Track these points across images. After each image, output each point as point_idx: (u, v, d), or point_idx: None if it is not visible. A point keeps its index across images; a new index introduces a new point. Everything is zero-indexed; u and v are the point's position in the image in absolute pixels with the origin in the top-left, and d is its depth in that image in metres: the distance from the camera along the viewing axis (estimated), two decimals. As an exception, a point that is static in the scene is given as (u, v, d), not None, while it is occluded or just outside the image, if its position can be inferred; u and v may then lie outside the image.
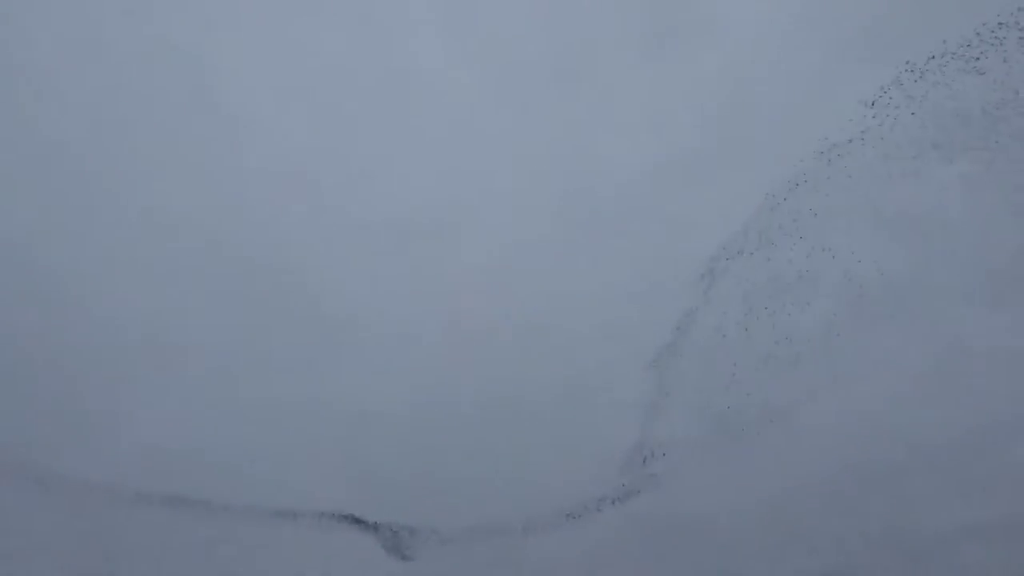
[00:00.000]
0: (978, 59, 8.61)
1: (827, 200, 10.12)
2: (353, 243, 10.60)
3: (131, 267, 10.09)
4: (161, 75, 9.02)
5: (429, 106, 9.47)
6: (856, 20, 8.97)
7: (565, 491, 12.07)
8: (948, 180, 9.92)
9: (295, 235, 10.35)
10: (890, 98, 9.07)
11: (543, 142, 9.96)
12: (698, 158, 9.92)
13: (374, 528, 12.75)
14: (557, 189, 10.08)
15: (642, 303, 11.26)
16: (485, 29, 9.01)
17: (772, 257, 10.79)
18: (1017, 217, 10.15)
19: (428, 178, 10.22)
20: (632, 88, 9.44)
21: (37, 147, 9.43)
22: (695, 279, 11.05)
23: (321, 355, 11.01)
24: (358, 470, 12.19)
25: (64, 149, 9.48)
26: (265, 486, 11.78)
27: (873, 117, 9.29)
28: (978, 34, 8.27)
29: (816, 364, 11.53)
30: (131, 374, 10.90)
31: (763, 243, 10.64)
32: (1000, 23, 8.30)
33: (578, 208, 10.41)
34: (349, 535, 12.78)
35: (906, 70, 8.84)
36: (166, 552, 12.10)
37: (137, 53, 8.95)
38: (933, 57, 8.72)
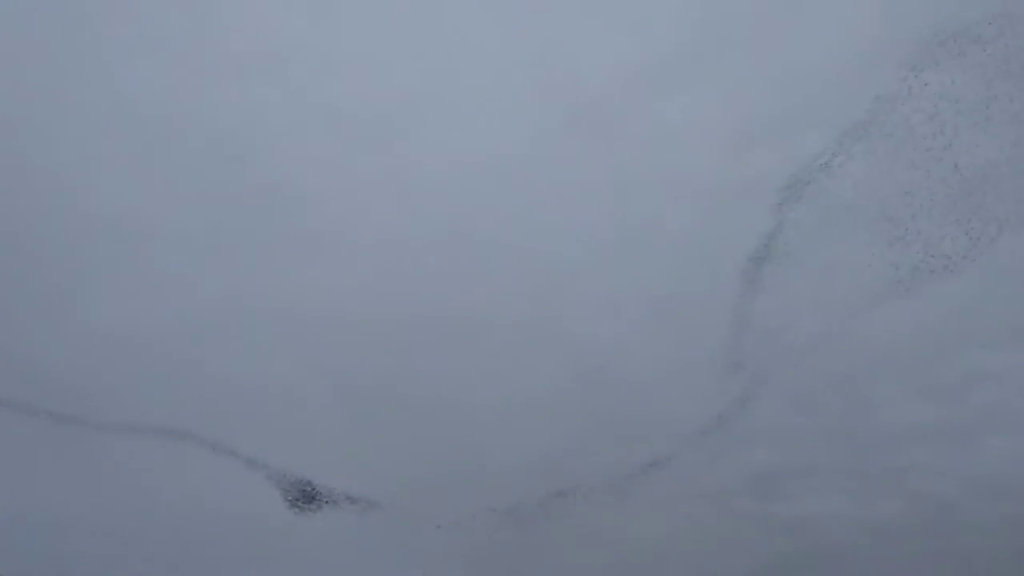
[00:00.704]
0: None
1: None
2: (329, 136, 10.39)
3: (97, 152, 9.83)
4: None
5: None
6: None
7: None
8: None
9: (268, 124, 10.13)
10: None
11: (528, 43, 9.94)
12: (683, 61, 9.88)
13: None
14: (543, 86, 10.05)
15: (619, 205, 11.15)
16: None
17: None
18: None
19: (409, 73, 10.13)
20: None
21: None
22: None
23: (293, 255, 10.64)
24: (332, 384, 11.79)
25: (30, 33, 9.28)
26: (219, 386, 11.36)
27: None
28: None
29: (784, 272, 11.40)
30: (91, 263, 10.55)
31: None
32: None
33: (559, 109, 10.35)
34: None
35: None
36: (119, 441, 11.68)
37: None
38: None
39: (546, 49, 9.41)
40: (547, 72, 9.91)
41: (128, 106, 9.55)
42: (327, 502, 12.19)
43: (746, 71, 9.68)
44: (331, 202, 10.65)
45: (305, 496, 12.48)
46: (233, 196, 10.21)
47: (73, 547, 12.23)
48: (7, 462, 11.44)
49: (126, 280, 10.44)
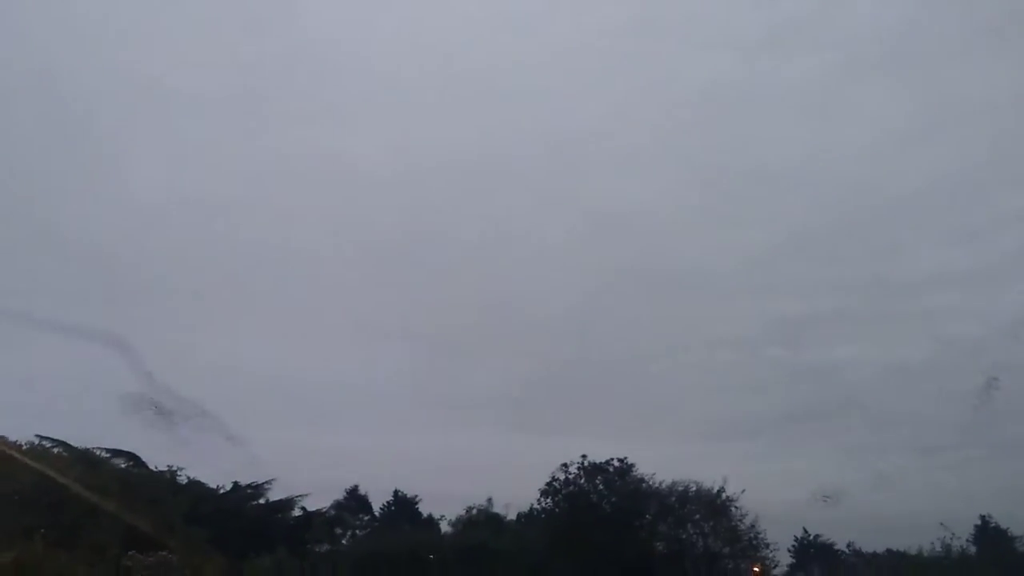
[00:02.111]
0: None
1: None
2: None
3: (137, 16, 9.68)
4: None
5: None
6: None
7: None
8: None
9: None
10: None
11: None
12: None
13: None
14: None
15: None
16: None
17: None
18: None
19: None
20: None
21: None
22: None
23: (316, 120, 10.62)
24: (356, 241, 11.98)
25: None
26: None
27: None
28: None
29: (808, 118, 11.22)
30: (132, 124, 10.64)
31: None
32: None
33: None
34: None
35: None
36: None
37: None
38: None
39: None
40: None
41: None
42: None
43: None
44: (354, 66, 10.47)
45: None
46: (256, 61, 10.06)
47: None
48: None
49: (158, 147, 10.49)
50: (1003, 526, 26.27)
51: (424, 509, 30.01)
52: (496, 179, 50.73)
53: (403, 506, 30.19)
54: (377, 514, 30.21)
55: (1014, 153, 42.77)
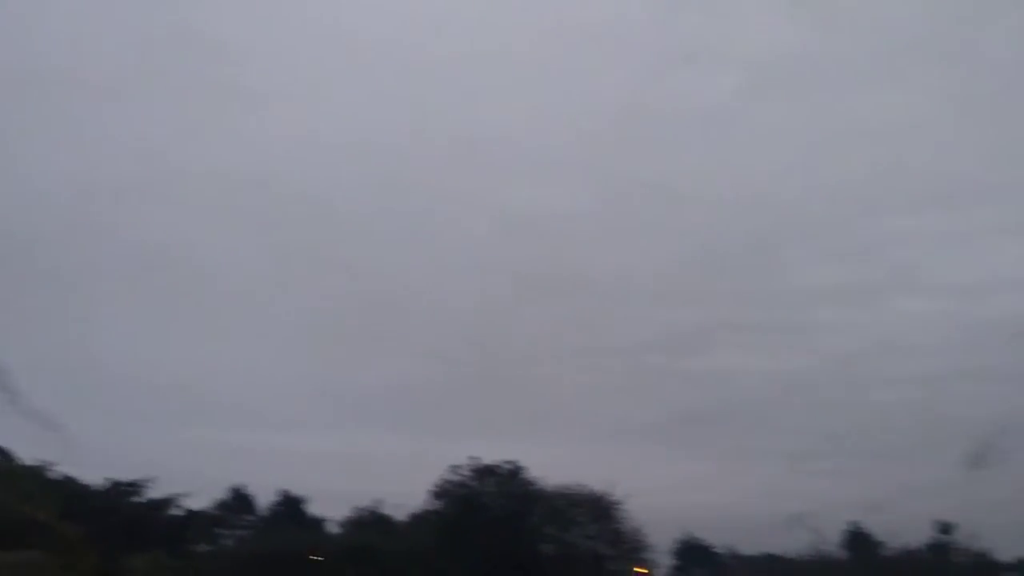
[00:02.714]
0: None
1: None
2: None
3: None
4: None
5: None
6: None
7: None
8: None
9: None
10: None
11: None
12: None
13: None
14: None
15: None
16: None
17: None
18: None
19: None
20: None
21: None
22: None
23: (214, 105, 10.39)
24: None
25: None
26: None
27: None
28: None
29: (713, 136, 11.76)
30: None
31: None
32: None
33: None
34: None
35: None
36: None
37: None
38: None
39: None
40: None
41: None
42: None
43: None
44: (257, 53, 10.30)
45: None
46: (149, 40, 9.76)
47: None
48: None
49: (53, 132, 10.03)
50: (871, 532, 27.78)
51: (313, 510, 29.52)
52: (404, 176, 50.55)
53: (290, 506, 29.58)
54: (264, 514, 29.54)
55: (900, 176, 45.37)
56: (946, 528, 26.28)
